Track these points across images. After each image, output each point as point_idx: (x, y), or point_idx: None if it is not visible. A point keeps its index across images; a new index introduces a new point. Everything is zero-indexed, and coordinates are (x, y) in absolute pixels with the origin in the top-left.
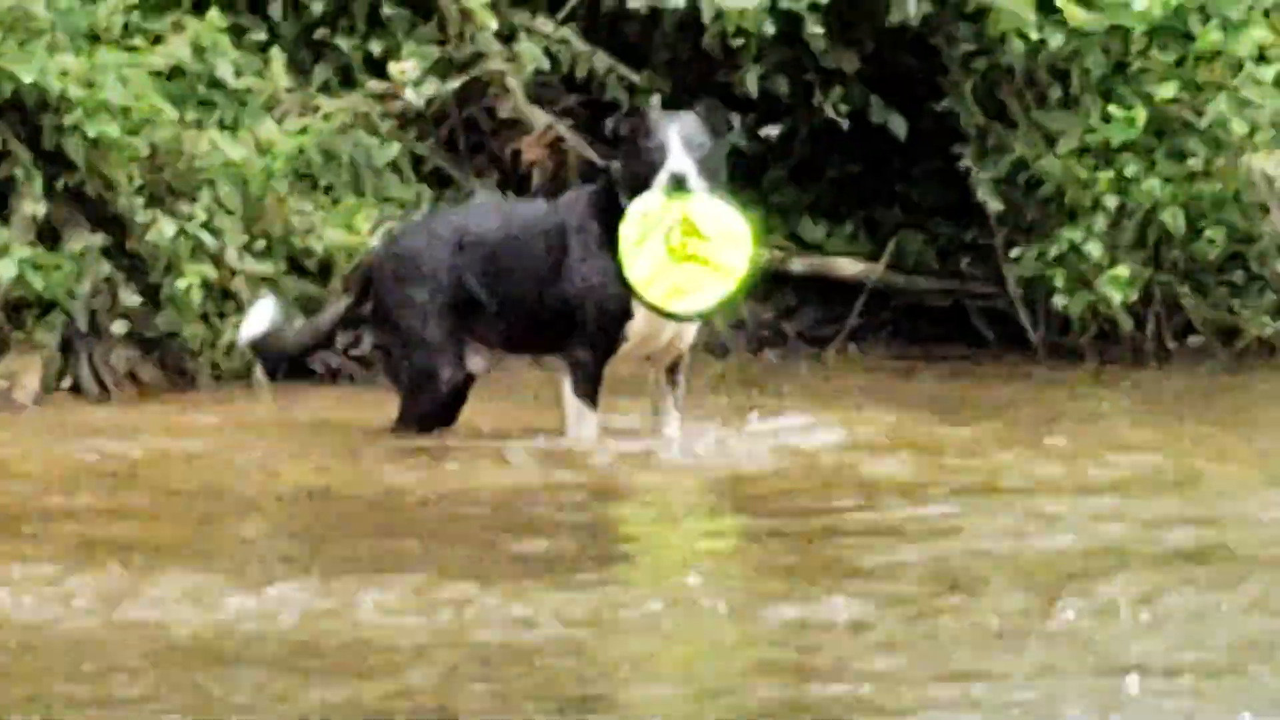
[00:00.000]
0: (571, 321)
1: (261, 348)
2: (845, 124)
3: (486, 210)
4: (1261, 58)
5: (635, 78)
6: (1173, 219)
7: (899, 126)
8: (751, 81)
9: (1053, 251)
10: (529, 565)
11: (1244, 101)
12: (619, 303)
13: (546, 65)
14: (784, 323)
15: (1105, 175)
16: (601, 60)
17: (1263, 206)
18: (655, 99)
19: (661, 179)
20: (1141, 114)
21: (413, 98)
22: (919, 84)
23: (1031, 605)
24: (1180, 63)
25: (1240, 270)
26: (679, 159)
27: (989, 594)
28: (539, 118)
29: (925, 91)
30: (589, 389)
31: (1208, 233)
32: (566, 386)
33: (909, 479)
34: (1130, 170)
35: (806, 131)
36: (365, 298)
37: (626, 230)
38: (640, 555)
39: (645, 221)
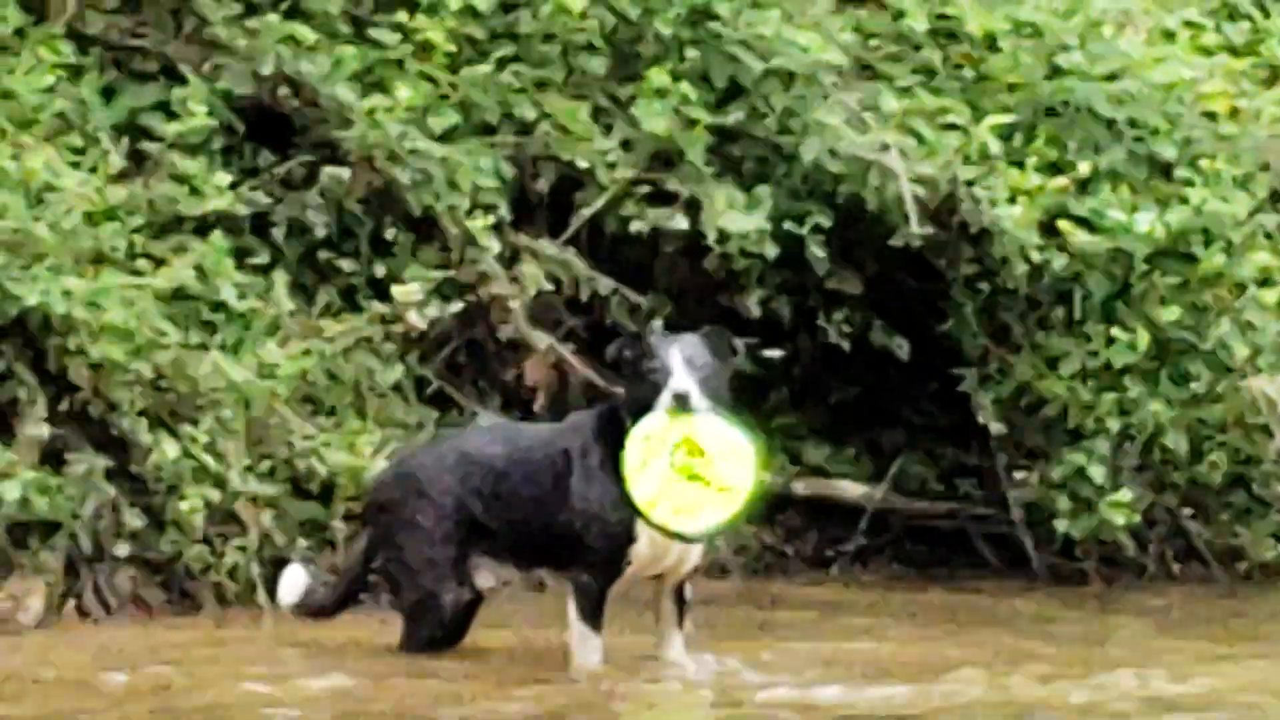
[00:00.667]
0: (576, 543)
1: (304, 611)
2: (847, 346)
3: (489, 433)
4: (1264, 281)
5: (638, 299)
6: (1175, 442)
7: (902, 349)
8: (754, 304)
9: (1056, 475)
10: None
11: (1247, 324)
12: (622, 527)
13: (549, 287)
14: (786, 545)
15: (1108, 398)
16: (604, 282)
17: (1266, 429)
18: (657, 323)
19: (664, 399)
20: (1144, 337)
21: (416, 320)
22: (921, 305)
23: None
24: (1183, 286)
25: (1243, 493)
26: (681, 379)
27: None
28: (541, 340)
29: (927, 313)
30: (593, 612)
31: (1211, 456)
32: (571, 609)
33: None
34: (1133, 393)
35: (809, 354)
36: (375, 540)
37: (630, 452)
38: None
39: (649, 443)
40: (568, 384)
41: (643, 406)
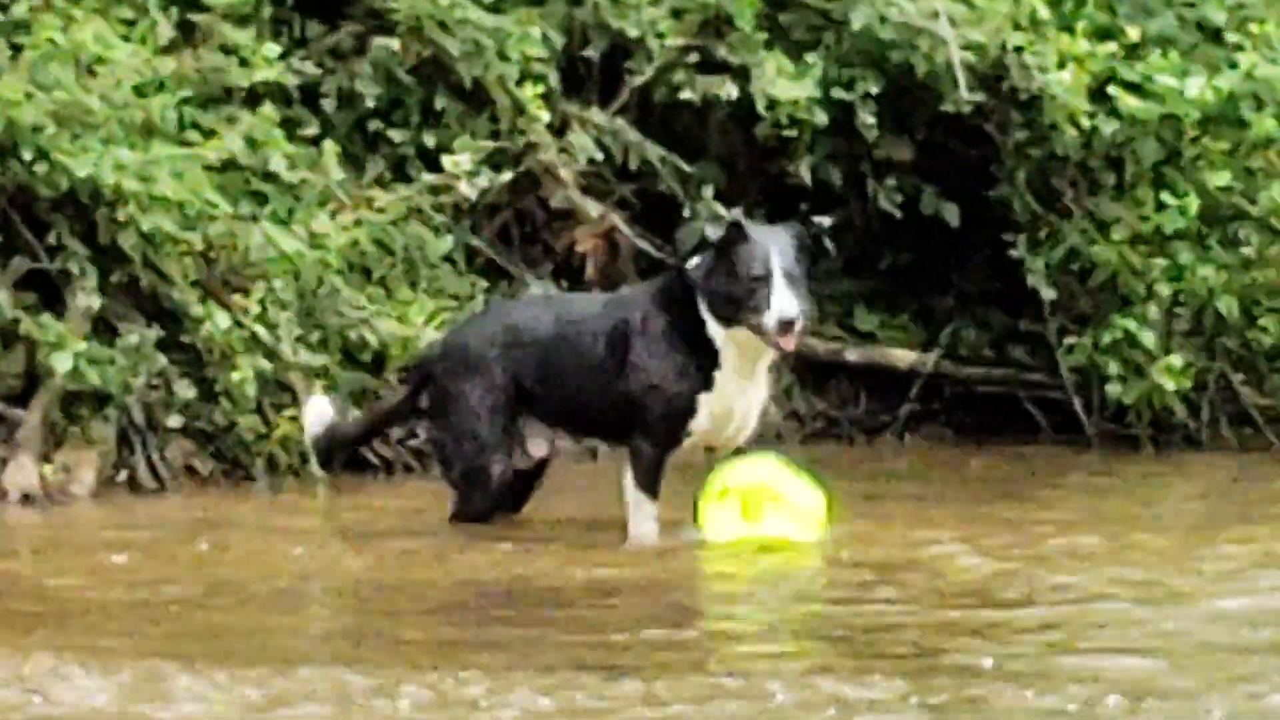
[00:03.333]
0: (631, 415)
1: (325, 443)
2: (898, 214)
3: (539, 304)
4: None
5: (688, 168)
6: (1227, 307)
7: (952, 215)
8: (805, 171)
9: (1106, 339)
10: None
11: None
12: (685, 400)
13: (599, 156)
14: (838, 412)
15: (1159, 263)
16: (654, 151)
17: None
18: (737, 212)
19: (769, 322)
20: (1195, 202)
21: (467, 190)
22: (972, 172)
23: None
24: (1234, 150)
25: None
26: (786, 299)
27: None
28: (592, 209)
29: (978, 180)
30: (650, 481)
31: (1262, 320)
32: (627, 479)
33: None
34: (1184, 258)
35: (860, 221)
36: (420, 391)
37: (710, 486)
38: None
39: (723, 484)
40: (618, 252)
41: (734, 304)
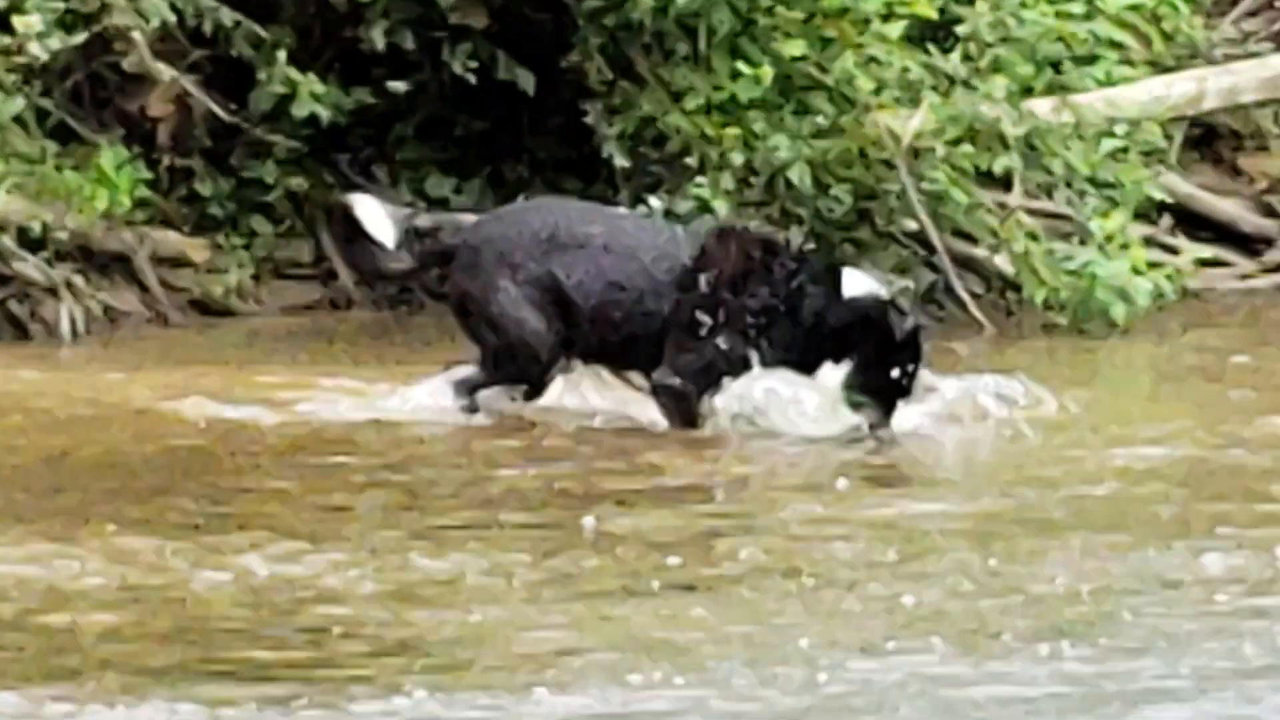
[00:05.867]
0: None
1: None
2: (473, 80)
3: (587, 213)
4: (888, 15)
5: (263, 33)
6: (799, 177)
7: (527, 83)
8: (378, 37)
9: (681, 209)
10: None
11: (871, 59)
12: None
13: (172, 19)
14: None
15: (732, 132)
16: (227, 15)
17: (889, 164)
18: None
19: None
20: (768, 71)
21: (37, 51)
22: (547, 40)
23: None
24: (808, 20)
25: (868, 228)
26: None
27: None
28: (165, 72)
29: (553, 47)
30: (690, 419)
31: (834, 190)
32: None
33: None
34: (758, 127)
35: (434, 88)
36: (430, 269)
37: None
38: None
39: None
40: (191, 116)
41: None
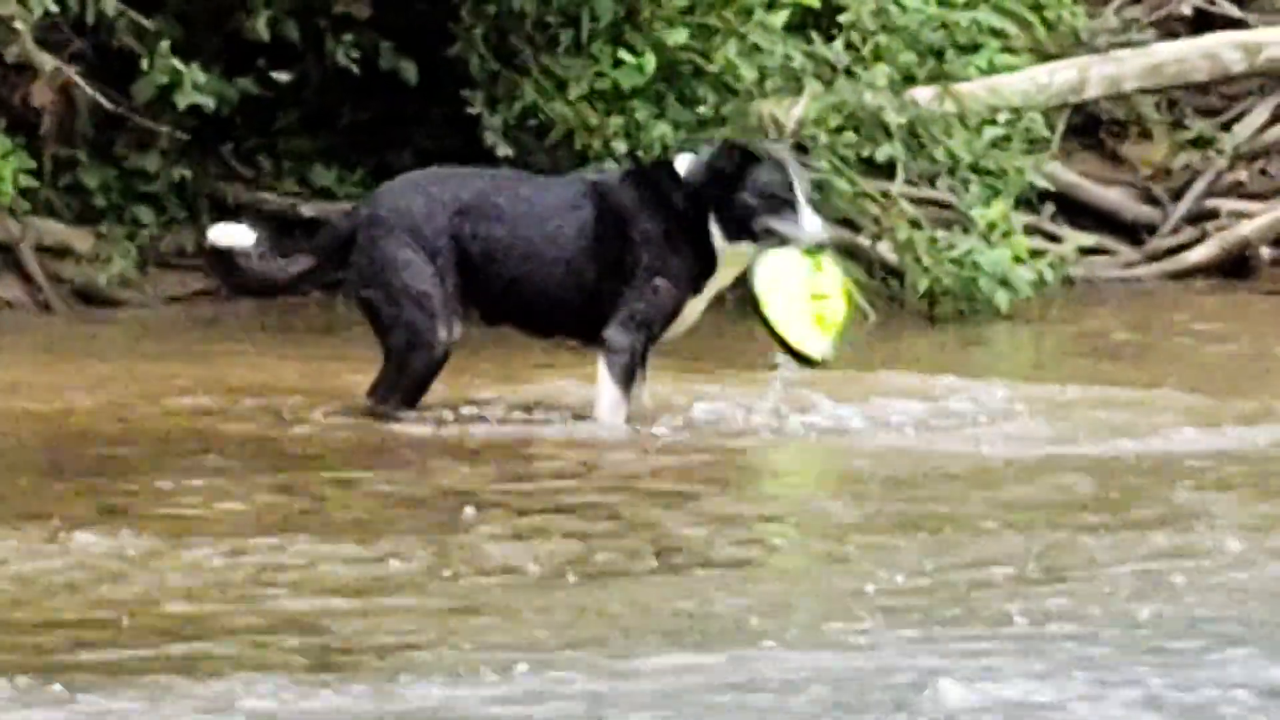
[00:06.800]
0: (609, 308)
1: (223, 261)
2: (356, 70)
3: (494, 179)
4: (771, 4)
5: (146, 23)
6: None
7: (410, 73)
8: (262, 27)
9: None
10: None
11: (754, 47)
12: (678, 302)
13: (55, 9)
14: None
15: (616, 121)
16: (111, 4)
17: None
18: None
19: (801, 238)
20: (651, 60)
21: None
22: (430, 30)
23: None
24: (691, 9)
25: None
26: (815, 221)
27: None
28: (48, 62)
29: (436, 37)
30: (627, 376)
31: None
32: (603, 370)
33: None
34: (641, 115)
35: (318, 78)
36: (335, 259)
37: (761, 277)
38: None
39: (776, 273)
40: (75, 107)
41: (751, 219)
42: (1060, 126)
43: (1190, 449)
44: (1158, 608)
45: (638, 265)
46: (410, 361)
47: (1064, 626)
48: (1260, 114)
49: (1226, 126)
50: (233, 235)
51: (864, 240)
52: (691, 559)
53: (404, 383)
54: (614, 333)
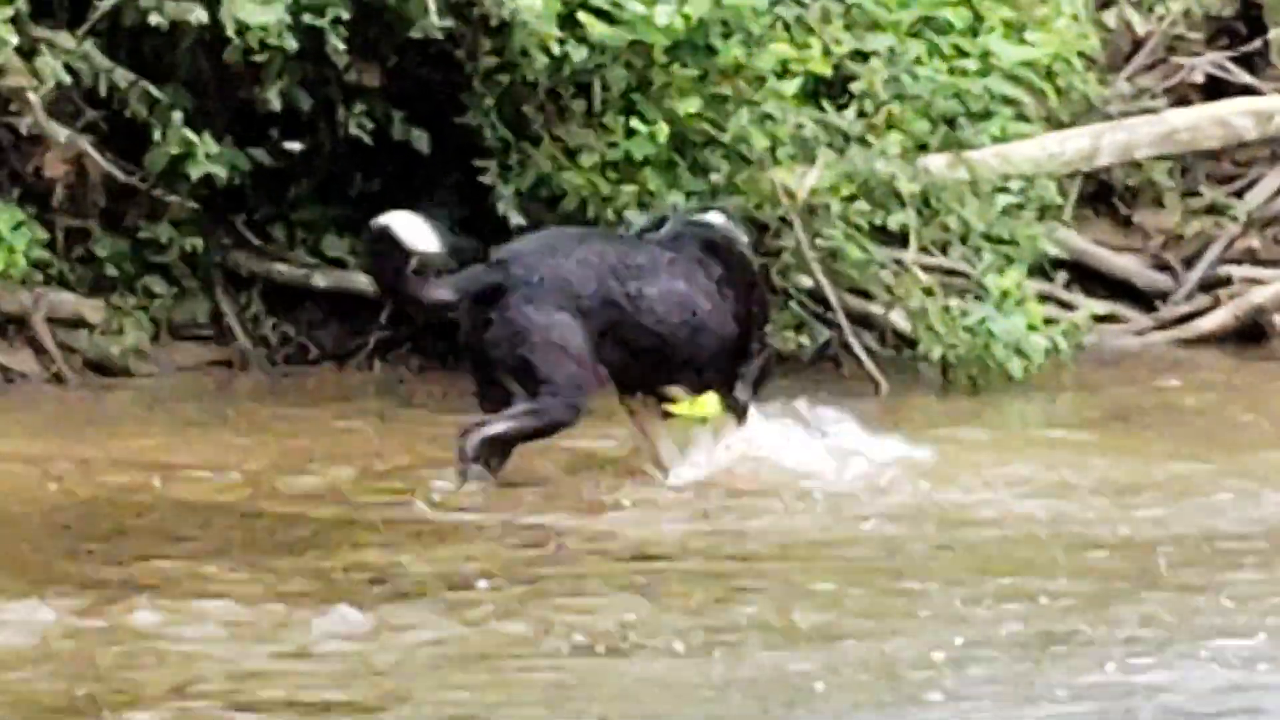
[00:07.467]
0: (734, 362)
1: (387, 252)
2: (368, 140)
3: (611, 238)
4: (783, 73)
5: (158, 94)
6: None
7: (422, 142)
8: (273, 97)
9: None
10: None
11: (766, 116)
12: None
13: (68, 80)
14: (306, 338)
15: (628, 189)
16: (123, 75)
17: (785, 220)
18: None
19: None
20: (664, 129)
21: None
22: (442, 98)
23: None
24: (703, 78)
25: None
26: None
27: None
28: (60, 133)
29: (448, 106)
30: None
31: None
32: (731, 428)
33: None
34: (653, 185)
35: (330, 147)
36: (471, 306)
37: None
38: None
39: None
40: (87, 178)
41: None
42: (1073, 193)
43: None
44: None
45: (760, 315)
46: (556, 418)
47: None
48: (1273, 181)
49: (1239, 193)
50: (415, 230)
51: (877, 308)
52: None
53: (525, 433)
54: (741, 392)
